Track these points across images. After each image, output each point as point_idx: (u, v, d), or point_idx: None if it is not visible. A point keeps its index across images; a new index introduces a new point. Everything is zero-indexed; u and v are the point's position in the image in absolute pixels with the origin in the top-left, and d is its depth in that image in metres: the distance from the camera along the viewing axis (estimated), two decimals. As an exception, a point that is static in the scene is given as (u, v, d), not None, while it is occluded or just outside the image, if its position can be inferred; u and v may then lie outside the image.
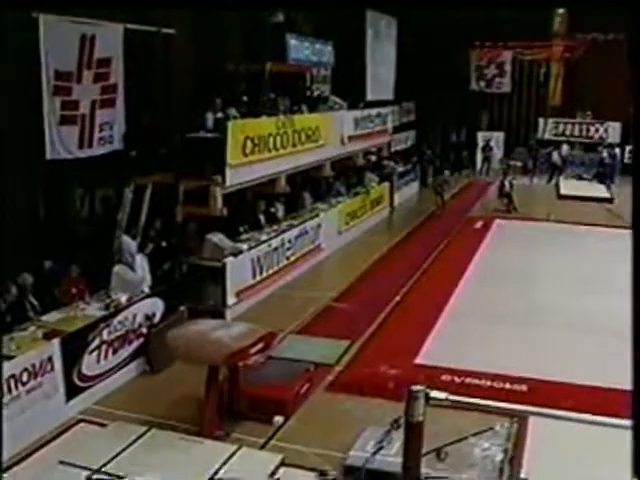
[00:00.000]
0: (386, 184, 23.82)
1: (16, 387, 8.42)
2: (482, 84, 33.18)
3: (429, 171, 29.58)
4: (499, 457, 8.06)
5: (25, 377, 8.57)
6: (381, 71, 24.43)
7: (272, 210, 16.53)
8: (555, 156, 30.61)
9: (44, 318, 9.89)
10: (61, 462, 7.84)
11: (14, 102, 9.83)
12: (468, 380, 10.37)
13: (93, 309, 10.43)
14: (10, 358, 8.47)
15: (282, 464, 8.06)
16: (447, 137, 33.81)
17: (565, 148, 31.47)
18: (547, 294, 14.53)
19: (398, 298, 14.51)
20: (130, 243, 11.79)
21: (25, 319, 9.67)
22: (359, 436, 8.28)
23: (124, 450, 8.11)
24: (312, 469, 8.06)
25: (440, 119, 32.22)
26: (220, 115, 14.15)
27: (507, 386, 10.16)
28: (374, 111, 23.09)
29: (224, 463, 7.90)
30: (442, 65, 29.31)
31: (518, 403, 6.82)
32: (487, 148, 32.50)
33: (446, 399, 4.64)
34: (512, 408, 6.13)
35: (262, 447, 8.70)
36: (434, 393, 4.61)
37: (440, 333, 12.49)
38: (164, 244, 12.73)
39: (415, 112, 31.16)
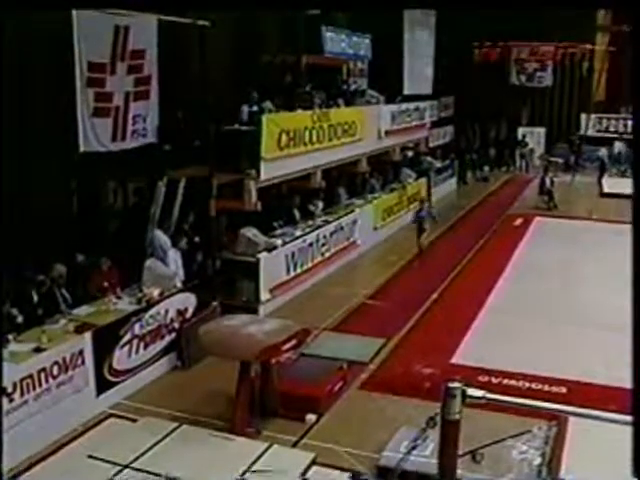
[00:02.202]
0: (423, 180, 23.62)
1: (46, 380, 8.46)
2: (523, 78, 32.70)
3: (468, 167, 29.41)
4: (537, 461, 7.92)
5: (55, 370, 8.61)
6: (419, 65, 24.18)
7: (311, 208, 16.48)
8: (601, 153, 30.13)
9: (75, 311, 9.94)
10: (90, 457, 7.90)
11: (47, 94, 9.89)
12: (505, 381, 10.22)
13: (125, 303, 10.47)
14: (41, 351, 8.54)
15: (314, 463, 8.02)
16: (486, 132, 33.47)
17: (618, 145, 30.89)
18: (589, 293, 14.28)
19: (435, 296, 14.37)
20: (163, 237, 11.82)
21: (57, 312, 9.73)
22: (393, 436, 8.20)
23: (154, 446, 8.16)
24: (344, 469, 7.99)
25: (479, 114, 31.84)
26: (255, 108, 14.12)
27: (546, 388, 9.99)
28: (412, 105, 22.90)
29: (255, 461, 7.90)
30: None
31: (557, 406, 6.64)
32: (522, 143, 32.11)
33: (483, 397, 4.53)
34: (551, 407, 5.98)
35: (294, 445, 8.66)
36: (471, 391, 4.50)
37: (477, 332, 12.34)
38: (197, 239, 12.72)
39: (454, 107, 30.85)
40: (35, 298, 9.61)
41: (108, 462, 7.76)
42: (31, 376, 8.25)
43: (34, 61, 9.63)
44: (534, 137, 32.55)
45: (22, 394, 8.10)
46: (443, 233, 20.44)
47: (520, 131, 32.77)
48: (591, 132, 31.83)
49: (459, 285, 15.27)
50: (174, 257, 11.68)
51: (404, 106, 22.16)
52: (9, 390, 7.88)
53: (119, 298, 10.56)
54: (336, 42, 17.87)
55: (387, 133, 20.41)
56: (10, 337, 8.62)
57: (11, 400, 7.92)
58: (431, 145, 26.97)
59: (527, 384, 10.10)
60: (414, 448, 7.52)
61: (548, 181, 24.09)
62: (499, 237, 19.89)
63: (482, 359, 10.90)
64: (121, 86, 10.72)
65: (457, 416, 4.54)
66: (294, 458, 8.19)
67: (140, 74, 11.05)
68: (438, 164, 26.15)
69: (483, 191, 27.45)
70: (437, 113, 27.65)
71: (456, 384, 4.49)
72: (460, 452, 5.43)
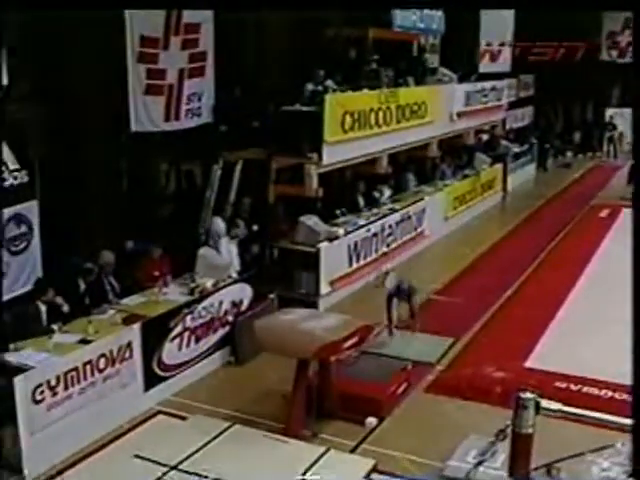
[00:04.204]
0: (499, 166, 23.31)
1: (92, 374, 8.56)
2: (614, 53, 31.69)
3: (549, 153, 28.92)
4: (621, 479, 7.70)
5: (102, 363, 8.70)
6: (497, 40, 23.82)
7: (376, 195, 16.37)
8: None
9: (124, 301, 10.05)
10: (136, 456, 7.97)
11: (97, 71, 9.99)
12: (585, 389, 9.96)
13: (176, 294, 10.52)
14: (87, 342, 8.66)
15: (374, 470, 7.95)
16: (570, 114, 32.77)
17: None
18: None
19: (510, 292, 14.15)
20: (221, 224, 11.85)
21: (104, 301, 9.85)
22: (460, 444, 8.10)
23: (204, 446, 8.18)
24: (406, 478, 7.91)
25: (563, 94, 31.13)
26: (319, 87, 14.05)
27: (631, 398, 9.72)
28: (488, 84, 22.53)
29: (311, 466, 7.85)
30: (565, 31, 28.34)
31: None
32: (610, 126, 31.30)
33: (559, 410, 4.41)
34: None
35: (353, 450, 8.60)
36: (546, 402, 4.38)
37: (556, 333, 12.08)
38: (255, 227, 12.74)
39: (534, 86, 30.27)
40: (82, 287, 9.75)
41: (155, 462, 7.81)
42: (76, 369, 8.35)
43: (82, 35, 9.70)
44: (625, 119, 31.66)
45: (66, 387, 8.21)
46: (520, 224, 20.14)
47: (608, 113, 31.91)
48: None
49: (537, 281, 14.99)
50: (227, 246, 11.72)
51: (479, 85, 21.83)
52: (53, 383, 8.01)
53: (169, 288, 10.63)
54: (406, 15, 17.65)
55: (460, 115, 20.11)
56: (55, 327, 8.76)
57: (55, 394, 8.05)
58: (508, 128, 26.57)
59: (610, 393, 9.82)
60: (484, 460, 7.43)
61: (639, 169, 23.46)
62: (582, 229, 19.50)
63: (560, 363, 10.66)
64: (175, 62, 10.79)
65: (530, 429, 4.44)
66: (353, 464, 8.14)
67: (195, 49, 11.10)
68: (516, 149, 25.77)
69: (565, 179, 26.96)
70: (516, 93, 27.21)
71: (529, 394, 4.38)
72: (533, 465, 5.32)
